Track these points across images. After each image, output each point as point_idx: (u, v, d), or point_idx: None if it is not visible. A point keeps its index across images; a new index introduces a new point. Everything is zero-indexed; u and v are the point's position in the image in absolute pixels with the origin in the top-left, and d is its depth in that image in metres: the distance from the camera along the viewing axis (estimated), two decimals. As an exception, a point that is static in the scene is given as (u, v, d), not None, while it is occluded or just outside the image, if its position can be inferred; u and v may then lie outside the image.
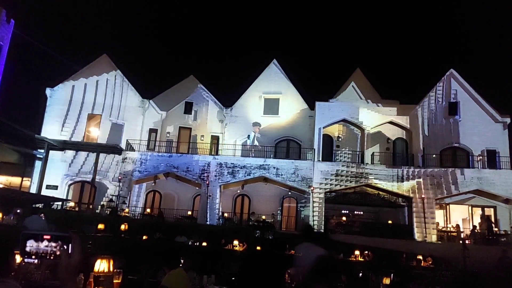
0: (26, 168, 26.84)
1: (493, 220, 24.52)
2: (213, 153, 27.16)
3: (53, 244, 1.68)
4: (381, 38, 61.18)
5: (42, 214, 14.64)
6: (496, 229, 23.90)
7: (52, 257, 1.68)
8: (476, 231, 23.02)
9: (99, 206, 23.63)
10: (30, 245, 1.67)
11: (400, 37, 59.25)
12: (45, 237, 1.68)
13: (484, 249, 19.28)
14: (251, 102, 29.25)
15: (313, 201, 23.84)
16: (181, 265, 7.72)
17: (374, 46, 60.44)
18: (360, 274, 10.95)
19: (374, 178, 24.18)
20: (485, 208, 24.97)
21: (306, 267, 5.12)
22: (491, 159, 25.76)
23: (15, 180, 26.80)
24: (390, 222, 25.11)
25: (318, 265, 3.77)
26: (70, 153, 26.62)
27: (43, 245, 1.68)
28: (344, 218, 24.76)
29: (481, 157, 25.85)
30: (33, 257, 1.64)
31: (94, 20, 61.13)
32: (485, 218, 23.54)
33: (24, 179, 26.71)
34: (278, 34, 62.47)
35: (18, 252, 1.91)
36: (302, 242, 6.45)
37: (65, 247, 1.66)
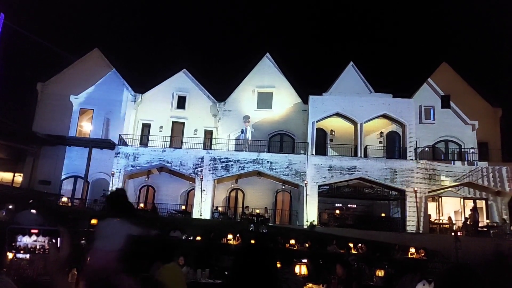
0: (18, 164, 26.65)
1: (484, 212, 24.77)
2: (206, 148, 27.11)
3: (42, 239, 1.66)
4: (373, 31, 61.20)
5: (34, 210, 14.52)
6: (488, 221, 24.14)
7: (41, 252, 1.66)
8: (467, 223, 23.23)
9: (92, 201, 23.58)
10: (19, 240, 1.65)
11: (392, 30, 59.33)
12: (32, 231, 1.66)
13: (476, 241, 19.47)
14: (245, 96, 29.18)
15: (306, 195, 23.89)
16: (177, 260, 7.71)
17: (367, 40, 60.45)
18: (355, 265, 11.04)
19: (367, 172, 24.26)
20: (477, 201, 25.17)
21: (111, 252, 4.13)
22: (483, 152, 25.99)
23: (7, 176, 26.61)
24: (383, 215, 25.25)
25: (130, 248, 3.08)
26: (62, 148, 26.49)
27: (31, 239, 1.66)
28: (337, 212, 24.84)
29: (473, 149, 26.05)
30: (22, 252, 1.62)
31: (85, 14, 60.55)
32: (473, 210, 23.65)
33: (16, 174, 26.53)
34: (271, 27, 62.30)
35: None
36: (107, 217, 4.81)
37: (54, 241, 1.64)
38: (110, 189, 23.62)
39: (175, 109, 29.11)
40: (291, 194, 26.90)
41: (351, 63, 29.53)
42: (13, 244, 1.65)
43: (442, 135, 27.17)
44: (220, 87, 30.78)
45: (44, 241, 1.65)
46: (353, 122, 26.60)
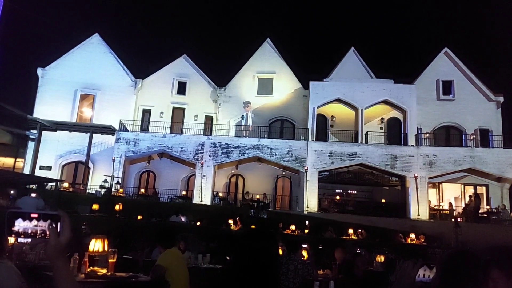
0: (19, 149, 26.70)
1: (484, 198, 24.79)
2: (207, 133, 27.08)
3: (43, 223, 1.64)
4: (375, 16, 60.69)
5: (34, 194, 14.58)
6: (488, 207, 24.17)
7: (42, 236, 1.65)
8: (467, 209, 23.27)
9: (93, 187, 23.65)
10: (18, 224, 1.63)
11: (394, 15, 58.79)
12: (32, 215, 1.65)
13: (476, 227, 19.55)
14: (245, 82, 29.06)
15: (307, 181, 23.93)
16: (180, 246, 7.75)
17: (368, 25, 59.97)
18: (358, 250, 11.11)
19: (368, 158, 24.25)
20: (478, 187, 25.19)
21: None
22: (484, 138, 25.95)
23: (8, 161, 26.68)
24: (383, 200, 25.31)
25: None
26: (63, 133, 26.50)
27: (32, 224, 1.64)
28: (338, 197, 24.89)
29: (474, 135, 26.00)
30: (22, 236, 1.61)
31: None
32: (474, 196, 23.62)
33: (17, 160, 26.60)
34: (271, 12, 61.77)
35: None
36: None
37: (54, 225, 1.63)
38: (111, 174, 23.67)
39: (175, 95, 29.03)
40: (291, 180, 26.94)
41: (352, 48, 29.34)
42: (13, 228, 1.63)
43: (443, 121, 27.09)
44: (221, 72, 30.69)
45: (45, 226, 1.64)
46: (354, 108, 26.52)
